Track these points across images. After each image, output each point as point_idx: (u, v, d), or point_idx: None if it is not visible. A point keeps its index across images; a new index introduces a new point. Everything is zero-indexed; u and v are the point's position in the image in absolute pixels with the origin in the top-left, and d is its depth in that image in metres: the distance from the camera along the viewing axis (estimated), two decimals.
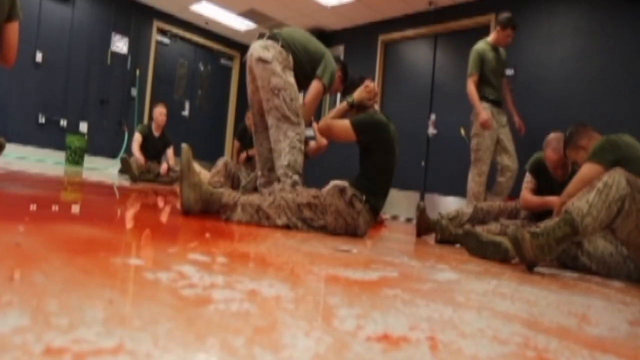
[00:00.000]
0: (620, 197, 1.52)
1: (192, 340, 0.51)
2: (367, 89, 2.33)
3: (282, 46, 2.50)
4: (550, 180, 2.58)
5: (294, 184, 2.38)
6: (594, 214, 1.53)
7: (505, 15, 3.60)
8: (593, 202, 1.53)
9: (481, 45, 3.68)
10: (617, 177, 1.54)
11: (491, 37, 3.71)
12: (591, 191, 1.56)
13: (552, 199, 2.44)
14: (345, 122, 2.20)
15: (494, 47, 3.67)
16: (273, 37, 2.53)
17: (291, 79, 2.49)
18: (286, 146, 2.43)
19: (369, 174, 2.17)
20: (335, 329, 0.64)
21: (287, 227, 2.01)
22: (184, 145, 1.97)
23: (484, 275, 1.44)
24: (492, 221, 2.65)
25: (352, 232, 2.11)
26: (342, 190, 2.10)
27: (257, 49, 2.50)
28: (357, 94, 2.31)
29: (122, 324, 0.53)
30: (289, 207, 2.01)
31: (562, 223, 1.57)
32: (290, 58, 2.51)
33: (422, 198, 5.32)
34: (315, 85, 2.59)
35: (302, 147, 2.48)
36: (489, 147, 3.62)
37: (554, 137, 2.55)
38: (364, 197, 2.11)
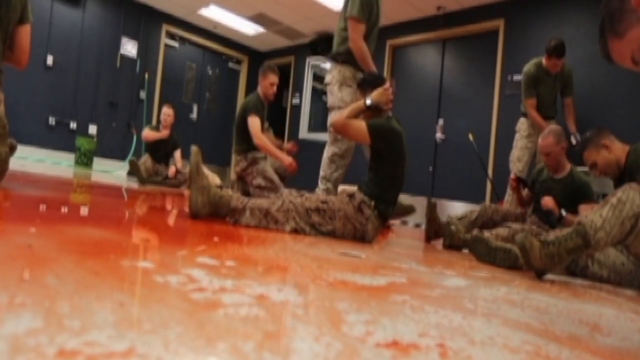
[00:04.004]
0: (634, 215, 1.47)
1: (203, 345, 0.51)
2: (388, 92, 2.23)
3: (344, 62, 2.71)
4: (548, 180, 2.66)
5: (326, 191, 2.66)
6: (607, 229, 1.48)
7: (551, 41, 3.53)
8: (607, 217, 1.49)
9: (531, 63, 3.71)
10: (631, 194, 1.50)
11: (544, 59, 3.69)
12: (605, 206, 1.52)
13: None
14: (362, 124, 2.13)
15: (546, 68, 3.65)
16: (333, 58, 2.76)
17: (347, 96, 2.74)
18: (326, 158, 2.80)
19: (379, 181, 2.16)
20: (344, 334, 0.64)
21: (295, 231, 2.01)
22: (194, 148, 1.97)
23: (493, 282, 1.42)
24: (500, 224, 2.65)
25: (360, 238, 2.10)
26: (351, 196, 2.09)
27: (326, 75, 2.87)
28: (377, 96, 2.21)
29: (133, 327, 0.53)
30: (297, 211, 2.01)
31: (575, 234, 1.54)
32: (348, 72, 2.72)
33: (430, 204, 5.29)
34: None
35: (342, 162, 2.66)
36: (519, 158, 3.72)
37: (547, 128, 2.74)
38: (372, 204, 2.10)
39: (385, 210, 2.16)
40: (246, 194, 3.55)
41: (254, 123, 3.39)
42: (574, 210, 2.44)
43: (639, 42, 0.77)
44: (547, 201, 2.51)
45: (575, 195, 2.49)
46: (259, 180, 3.48)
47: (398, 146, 2.15)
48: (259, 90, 3.61)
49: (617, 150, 2.14)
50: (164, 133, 5.09)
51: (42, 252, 0.88)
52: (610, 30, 0.81)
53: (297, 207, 2.01)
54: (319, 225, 2.03)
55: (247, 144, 3.49)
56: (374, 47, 3.02)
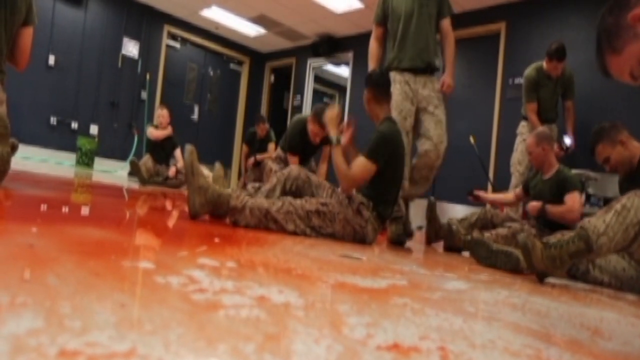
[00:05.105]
0: (638, 222, 1.46)
1: (203, 346, 0.51)
2: (328, 116, 2.17)
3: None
4: (539, 183, 2.71)
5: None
6: (610, 234, 1.47)
7: (552, 45, 3.55)
8: (610, 222, 1.48)
9: (532, 67, 3.72)
10: (636, 201, 1.48)
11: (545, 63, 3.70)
12: (609, 211, 1.50)
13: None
14: (361, 163, 2.08)
15: (547, 72, 3.66)
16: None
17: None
18: None
19: (377, 182, 2.16)
20: (345, 337, 0.64)
21: (294, 233, 2.01)
22: (188, 147, 1.95)
23: (494, 285, 1.42)
24: (501, 225, 2.68)
25: (360, 240, 2.10)
26: (349, 198, 2.09)
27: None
28: (330, 129, 2.16)
29: (134, 328, 0.53)
30: (297, 213, 2.00)
31: (577, 238, 1.53)
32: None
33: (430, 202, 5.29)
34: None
35: None
36: (519, 161, 3.75)
37: (535, 130, 2.94)
38: (371, 205, 2.10)
39: (385, 210, 2.17)
40: (257, 180, 3.85)
41: (292, 162, 3.56)
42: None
43: (637, 57, 0.78)
44: (532, 208, 2.55)
45: (560, 190, 2.51)
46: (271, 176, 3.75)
47: (396, 152, 2.16)
48: (308, 124, 3.53)
49: (633, 147, 2.09)
50: (169, 130, 5.10)
51: (43, 252, 0.88)
52: (607, 46, 0.82)
53: (297, 209, 2.01)
54: (319, 228, 2.03)
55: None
56: (410, 49, 2.76)
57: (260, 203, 2.00)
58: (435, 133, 2.68)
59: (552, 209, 2.45)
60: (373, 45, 2.91)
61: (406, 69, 2.75)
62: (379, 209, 2.13)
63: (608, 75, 0.85)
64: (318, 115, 3.36)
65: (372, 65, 2.86)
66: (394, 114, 2.56)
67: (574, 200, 2.43)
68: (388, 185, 2.18)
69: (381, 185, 2.16)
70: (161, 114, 5.17)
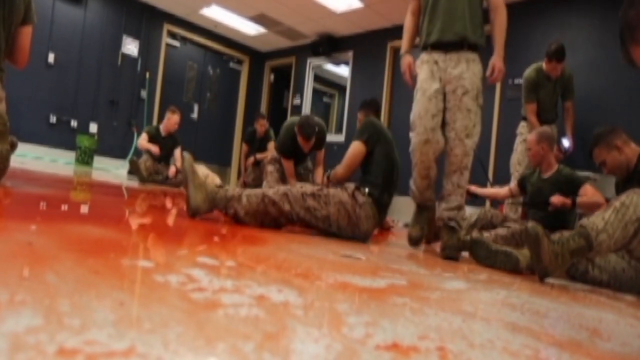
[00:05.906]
0: (637, 219, 1.47)
1: (202, 345, 0.51)
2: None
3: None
4: (538, 181, 2.73)
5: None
6: (609, 231, 1.48)
7: (551, 45, 3.54)
8: (609, 220, 1.49)
9: (531, 68, 3.72)
10: (635, 199, 1.49)
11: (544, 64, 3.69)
12: (608, 209, 1.52)
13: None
14: (351, 147, 2.32)
15: (547, 73, 3.66)
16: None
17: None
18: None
19: (369, 168, 2.28)
20: (344, 336, 0.64)
21: (290, 218, 2.04)
22: (185, 154, 2.02)
23: (493, 285, 1.42)
24: (500, 226, 2.69)
25: (354, 226, 2.11)
26: (343, 185, 2.20)
27: None
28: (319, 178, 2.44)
29: (133, 327, 0.53)
30: (292, 195, 2.04)
31: (577, 236, 1.54)
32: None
33: None
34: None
35: None
36: (519, 161, 3.76)
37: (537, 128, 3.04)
38: (366, 190, 2.17)
39: (380, 196, 2.22)
40: (256, 179, 4.01)
41: (286, 166, 3.68)
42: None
43: None
44: (556, 201, 2.48)
45: (565, 188, 2.52)
46: (268, 177, 3.86)
47: (379, 130, 2.34)
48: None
49: (628, 152, 2.09)
50: (155, 150, 4.91)
51: (43, 250, 0.88)
52: (630, 38, 0.84)
53: (293, 192, 2.06)
54: (313, 210, 2.05)
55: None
56: (440, 19, 2.24)
57: (255, 190, 2.07)
58: (460, 124, 2.16)
59: (583, 200, 2.43)
60: (407, 20, 2.54)
61: (435, 44, 2.26)
62: (374, 193, 2.20)
63: (634, 66, 0.88)
64: (302, 128, 3.36)
65: (405, 40, 2.50)
66: (417, 96, 2.29)
67: (593, 190, 2.45)
68: (376, 167, 2.26)
69: (369, 167, 2.27)
70: (176, 120, 5.07)
